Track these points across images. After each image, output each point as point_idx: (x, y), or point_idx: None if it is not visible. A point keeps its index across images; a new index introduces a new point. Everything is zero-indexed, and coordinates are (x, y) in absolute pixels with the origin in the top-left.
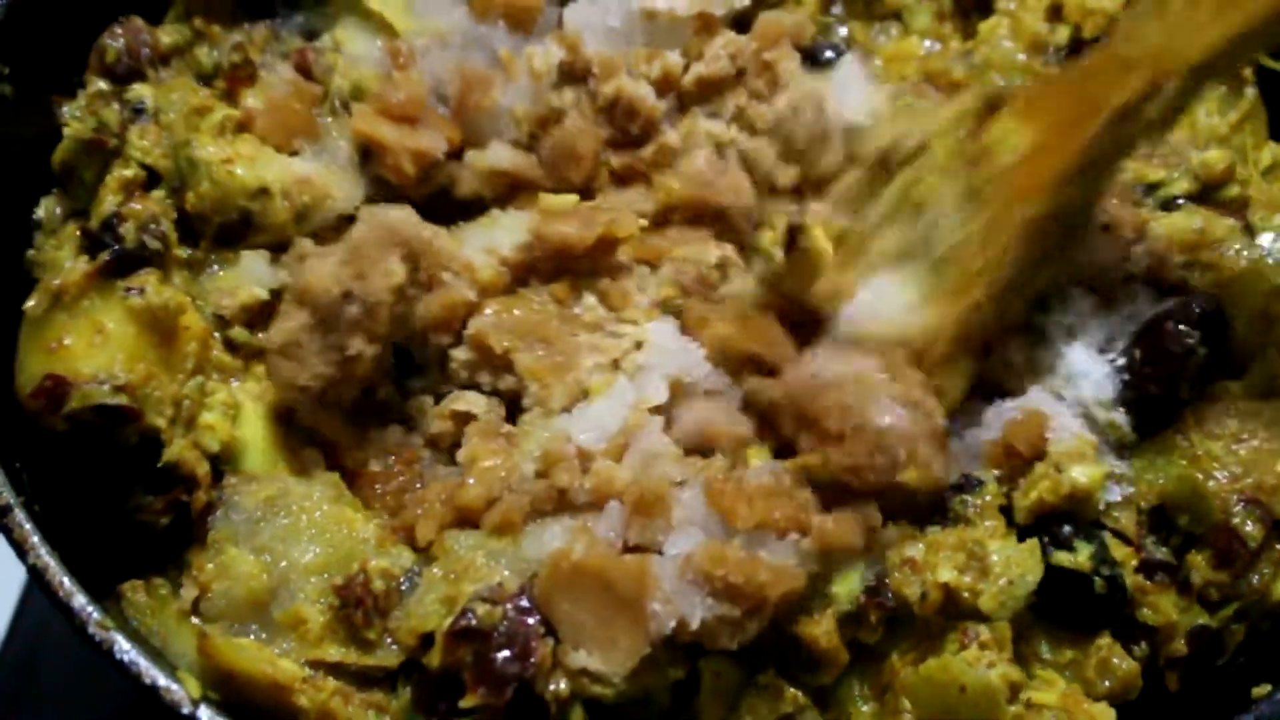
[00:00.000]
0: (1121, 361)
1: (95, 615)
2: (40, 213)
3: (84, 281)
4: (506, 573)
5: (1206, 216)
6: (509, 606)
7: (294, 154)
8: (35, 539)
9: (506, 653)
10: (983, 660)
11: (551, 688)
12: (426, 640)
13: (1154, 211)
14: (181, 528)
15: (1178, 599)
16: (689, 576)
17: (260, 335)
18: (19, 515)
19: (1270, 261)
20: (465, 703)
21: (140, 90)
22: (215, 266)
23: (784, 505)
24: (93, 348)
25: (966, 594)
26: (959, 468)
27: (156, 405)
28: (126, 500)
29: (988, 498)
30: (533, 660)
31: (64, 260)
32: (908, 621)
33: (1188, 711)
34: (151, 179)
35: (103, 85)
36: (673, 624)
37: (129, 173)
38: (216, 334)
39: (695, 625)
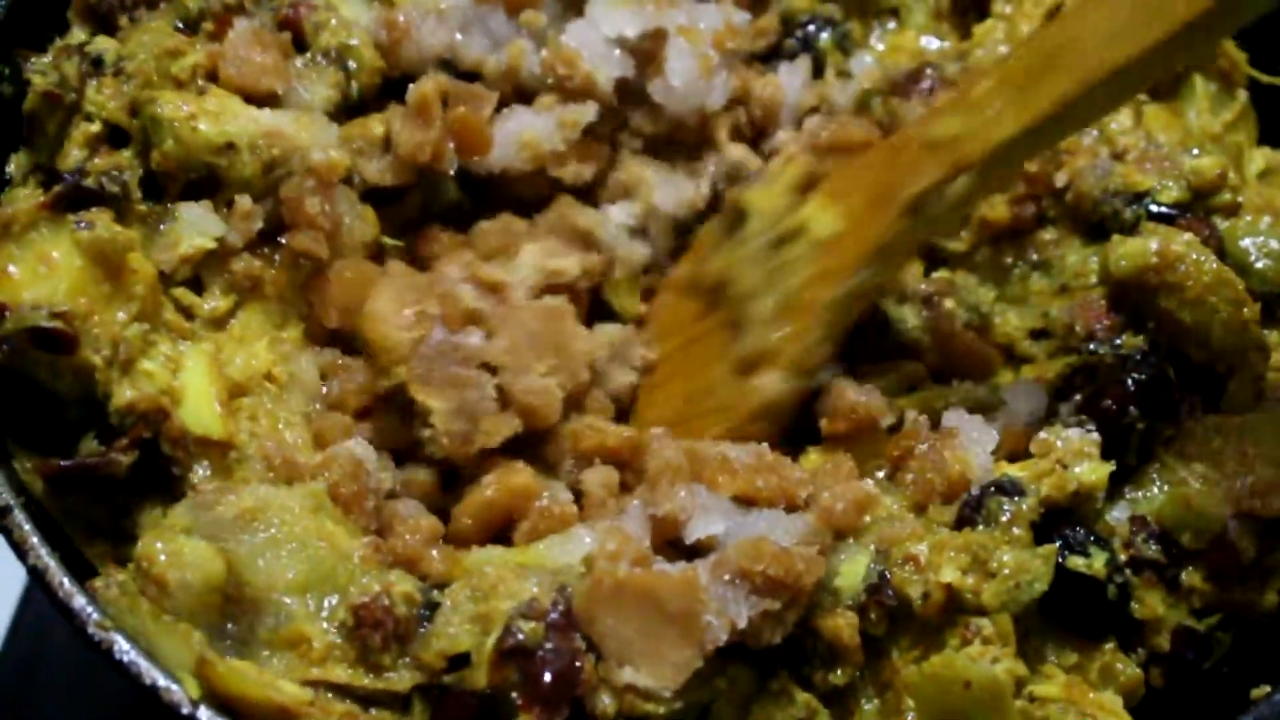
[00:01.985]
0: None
1: (95, 615)
2: (10, 168)
3: (34, 211)
4: (535, 587)
5: (1163, 234)
6: (549, 622)
7: (263, 103)
8: (35, 539)
9: (555, 670)
10: (986, 655)
11: (599, 707)
12: (454, 662)
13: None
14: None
15: (1165, 595)
16: (727, 577)
17: (208, 305)
18: (19, 516)
19: (1250, 259)
20: None
21: (100, 43)
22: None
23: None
24: (37, 277)
25: (969, 595)
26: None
27: (94, 342)
28: (73, 452)
29: (1025, 506)
30: (582, 677)
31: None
32: (907, 618)
33: (1187, 713)
34: (119, 136)
35: (79, 32)
36: (725, 634)
37: (94, 128)
38: (164, 295)
39: (742, 625)
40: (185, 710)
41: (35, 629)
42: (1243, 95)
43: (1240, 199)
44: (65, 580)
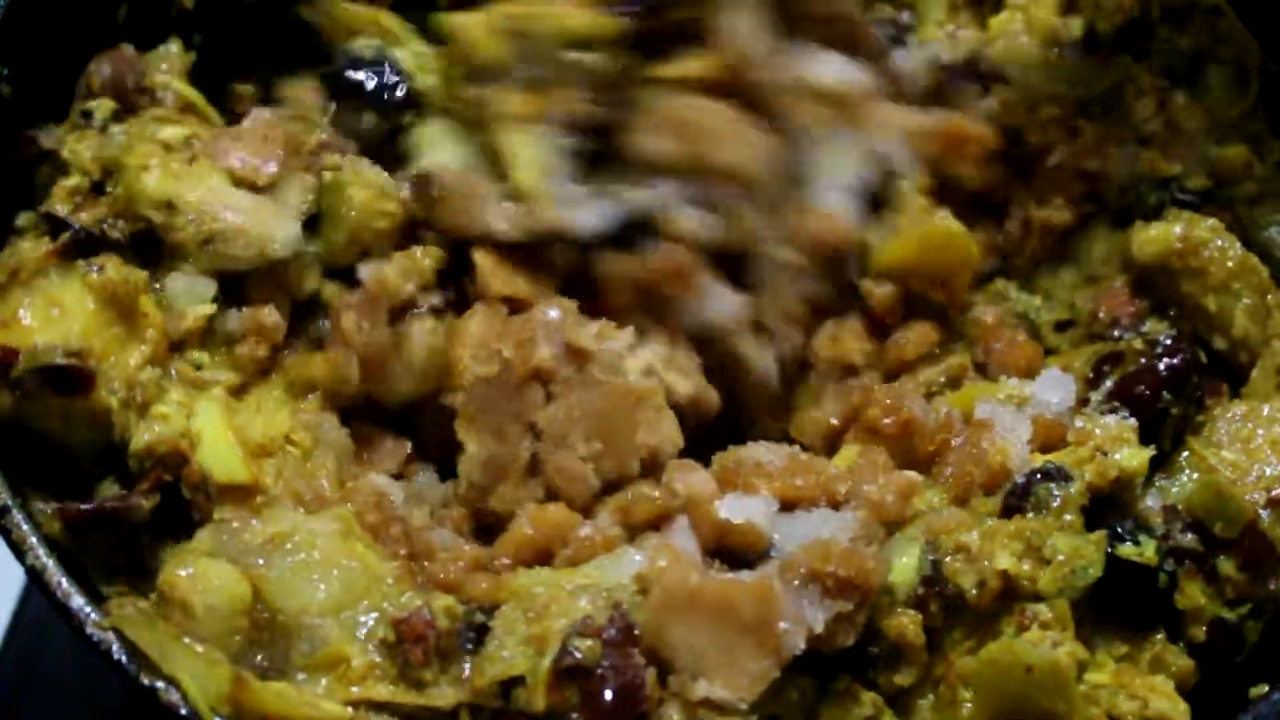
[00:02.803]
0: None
1: (93, 615)
2: (20, 221)
3: (43, 259)
4: (588, 605)
5: (1188, 220)
6: (606, 639)
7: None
8: (34, 539)
9: (616, 688)
10: (1047, 639)
11: None
12: (506, 685)
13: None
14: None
15: (1204, 586)
16: (797, 582)
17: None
18: (17, 516)
19: (1274, 248)
20: None
21: (102, 104)
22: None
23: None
24: (48, 321)
25: (1025, 581)
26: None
27: (109, 383)
28: (92, 494)
29: (1074, 490)
30: (644, 693)
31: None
32: (959, 609)
33: (1221, 705)
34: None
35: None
36: (802, 641)
37: (71, 181)
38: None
39: (819, 630)
40: (183, 711)
41: (34, 629)
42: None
43: (1264, 188)
44: (63, 580)
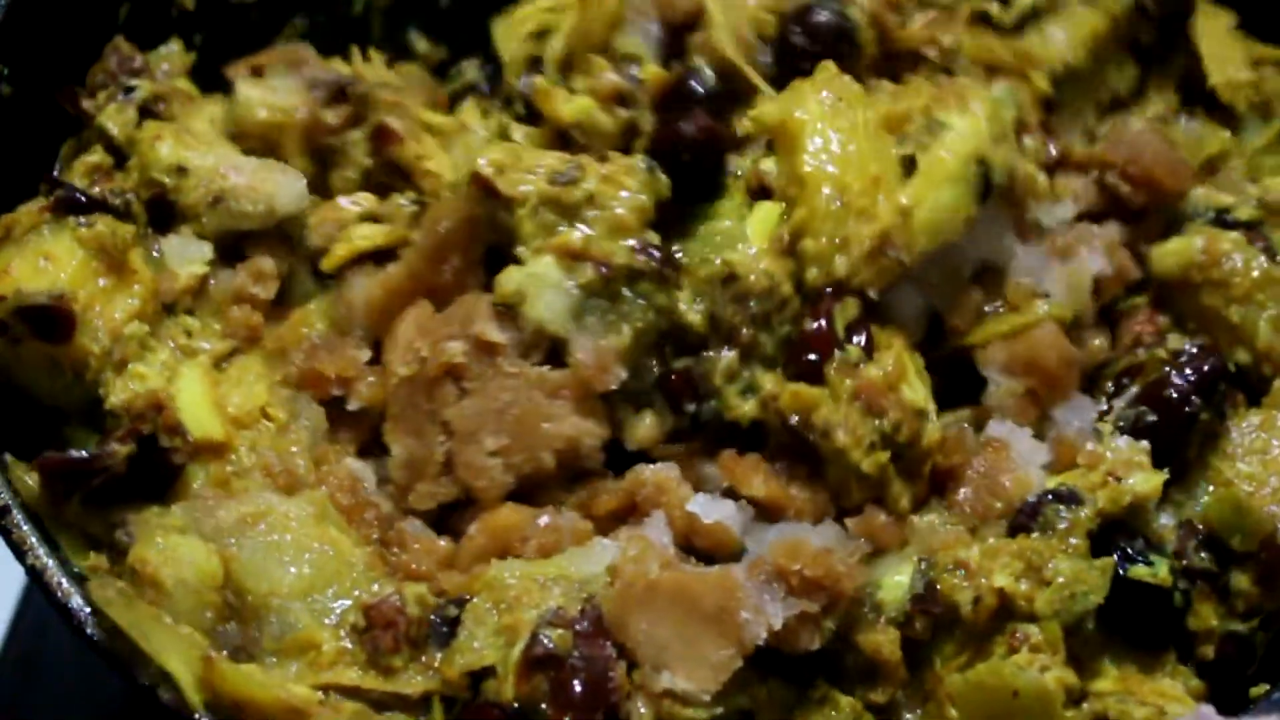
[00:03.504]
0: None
1: (94, 615)
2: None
3: (36, 215)
4: (561, 596)
5: (1210, 235)
6: (577, 631)
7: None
8: (34, 539)
9: (586, 679)
10: (1035, 663)
11: (634, 716)
12: (477, 677)
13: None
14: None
15: (1216, 606)
16: (763, 577)
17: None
18: (18, 516)
19: None
20: None
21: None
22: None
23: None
24: (37, 272)
25: (1022, 601)
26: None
27: (93, 331)
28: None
29: (1084, 514)
30: (614, 684)
31: None
32: (950, 626)
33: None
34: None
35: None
36: (764, 631)
37: (94, 159)
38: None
39: (778, 626)
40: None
41: (35, 629)
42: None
43: None
44: (64, 580)
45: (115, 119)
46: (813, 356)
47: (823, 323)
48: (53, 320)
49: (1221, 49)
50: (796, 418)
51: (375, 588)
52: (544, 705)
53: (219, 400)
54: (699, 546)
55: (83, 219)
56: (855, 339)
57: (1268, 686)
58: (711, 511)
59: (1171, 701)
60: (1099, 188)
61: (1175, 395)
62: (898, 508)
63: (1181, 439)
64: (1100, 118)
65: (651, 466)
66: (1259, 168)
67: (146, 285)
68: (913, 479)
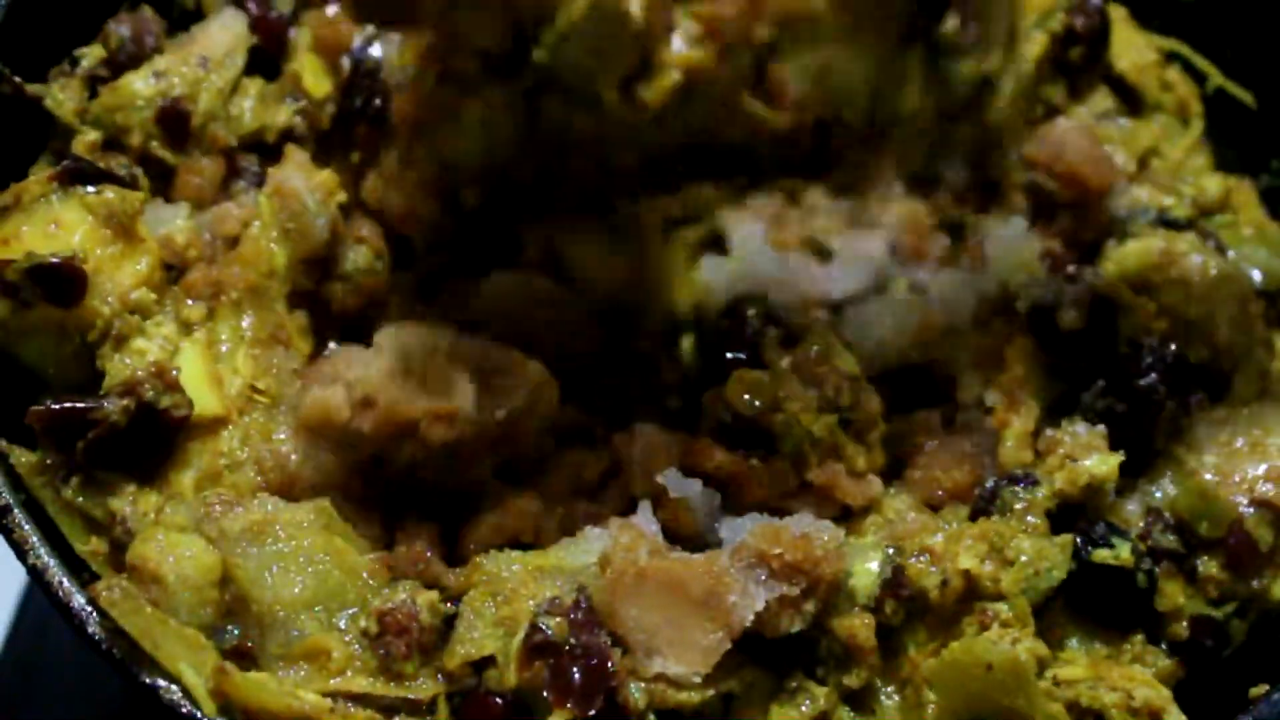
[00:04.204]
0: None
1: (95, 615)
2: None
3: (44, 183)
4: (556, 587)
5: (1167, 236)
6: (572, 620)
7: None
8: (35, 539)
9: (585, 666)
10: (1006, 637)
11: (629, 699)
12: (478, 667)
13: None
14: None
15: (1184, 585)
16: (745, 562)
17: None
18: (19, 515)
19: (1242, 265)
20: (553, 719)
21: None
22: None
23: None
24: (46, 237)
25: (988, 582)
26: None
27: (103, 295)
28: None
29: (1039, 495)
30: (611, 670)
31: None
32: (921, 612)
33: (1208, 703)
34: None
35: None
36: (751, 615)
37: (89, 137)
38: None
39: (759, 608)
40: (184, 709)
41: (35, 629)
42: (1198, 126)
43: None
44: (65, 580)
45: (59, 96)
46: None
47: None
48: (65, 281)
49: (1123, 35)
50: (747, 395)
51: (385, 593)
52: (545, 692)
53: (216, 375)
54: (669, 526)
55: (90, 187)
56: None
57: (1267, 687)
58: (679, 488)
59: (1140, 685)
60: (1029, 190)
61: (1143, 384)
62: (855, 467)
63: (1149, 428)
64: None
65: (640, 425)
66: (1186, 168)
67: (154, 254)
68: (865, 444)
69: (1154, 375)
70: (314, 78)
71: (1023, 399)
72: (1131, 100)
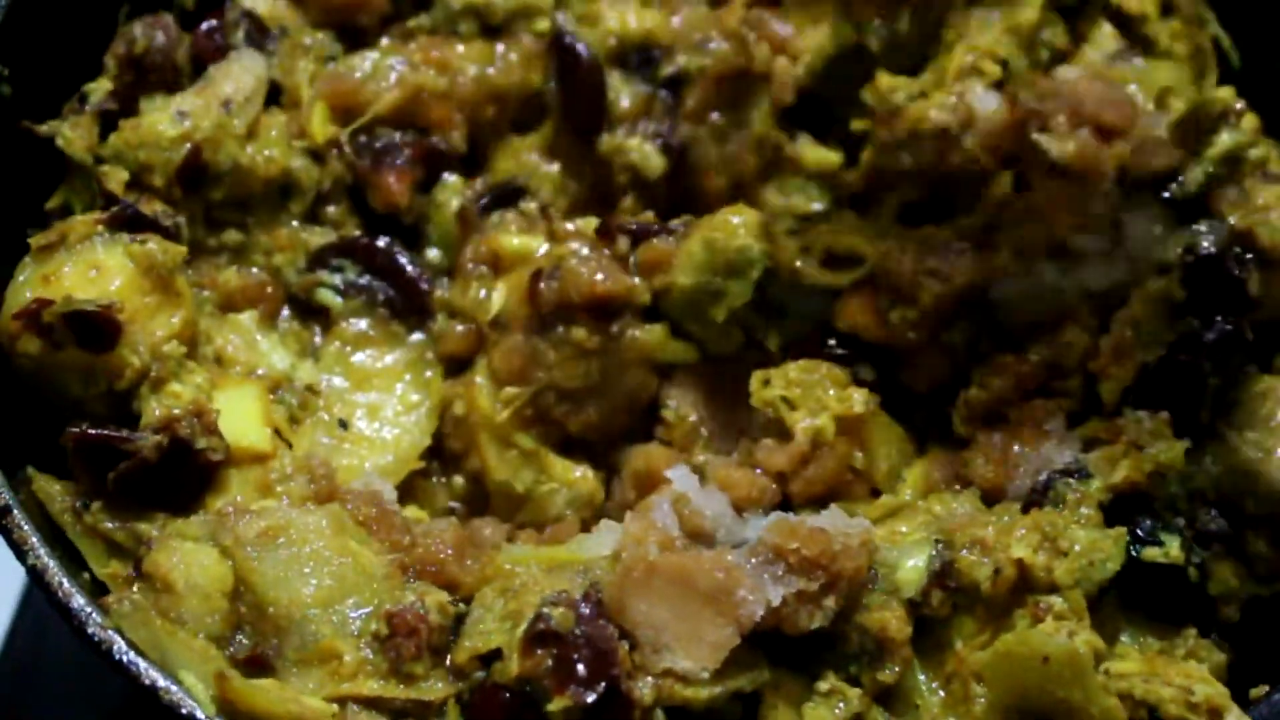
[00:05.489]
0: None
1: (95, 615)
2: (50, 203)
3: (91, 226)
4: (566, 582)
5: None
6: (579, 613)
7: None
8: (35, 539)
9: (588, 655)
10: (1063, 629)
11: (636, 694)
12: (486, 661)
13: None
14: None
15: (1235, 566)
16: (761, 558)
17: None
18: (19, 516)
19: None
20: (554, 706)
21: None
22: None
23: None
24: (86, 281)
25: (1041, 572)
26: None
27: (134, 345)
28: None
29: (1093, 487)
30: (616, 661)
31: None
32: (969, 606)
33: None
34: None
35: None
36: (761, 610)
37: (123, 174)
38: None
39: (776, 603)
40: (185, 710)
41: (35, 629)
42: (1213, 73)
43: None
44: (64, 580)
45: (70, 134)
46: None
47: None
48: (99, 329)
49: None
50: None
51: (396, 596)
52: (547, 682)
53: (269, 415)
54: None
55: (136, 236)
56: None
57: (1267, 687)
58: (682, 482)
59: (1199, 682)
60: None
61: (1189, 360)
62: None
63: (1195, 404)
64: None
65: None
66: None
67: (188, 308)
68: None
69: (1198, 351)
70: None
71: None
72: (1140, 39)
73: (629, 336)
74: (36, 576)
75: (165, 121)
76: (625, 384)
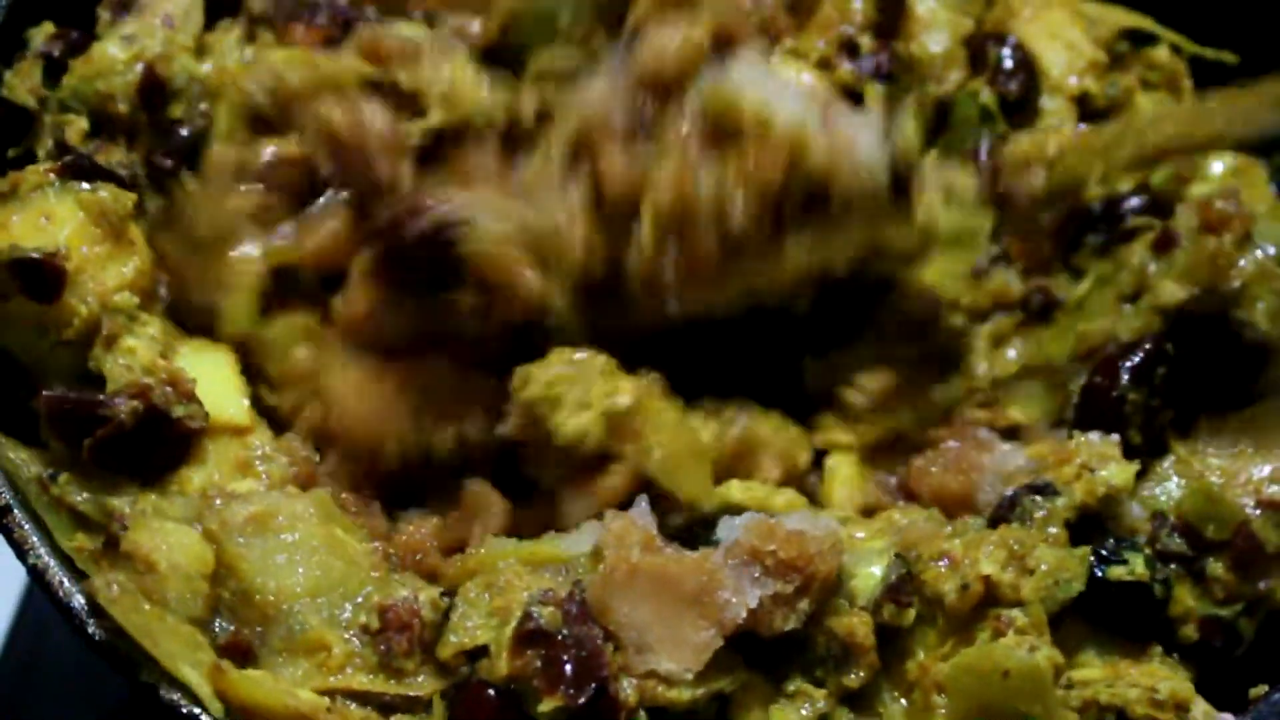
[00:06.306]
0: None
1: (95, 615)
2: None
3: (42, 175)
4: (550, 579)
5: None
6: (566, 612)
7: None
8: (35, 539)
9: (577, 656)
10: (1024, 644)
11: (621, 695)
12: (472, 658)
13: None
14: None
15: (1192, 587)
16: (738, 559)
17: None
18: (19, 515)
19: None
20: (544, 707)
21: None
22: None
23: None
24: (36, 229)
25: (1008, 589)
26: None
27: (82, 294)
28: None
29: (1060, 504)
30: (604, 662)
31: None
32: (932, 615)
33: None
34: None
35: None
36: (744, 612)
37: (83, 123)
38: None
39: (753, 605)
40: (184, 709)
41: (35, 629)
42: (1188, 96)
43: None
44: (65, 580)
45: (13, 80)
46: None
47: None
48: (42, 277)
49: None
50: None
51: (386, 588)
52: (536, 682)
53: (245, 387)
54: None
55: (87, 184)
56: None
57: (1267, 687)
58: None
59: (1163, 680)
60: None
61: (1104, 380)
62: None
63: (1117, 425)
64: None
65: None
66: None
67: (142, 258)
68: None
69: (1125, 370)
70: None
71: None
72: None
73: None
74: (37, 576)
75: (114, 46)
76: None
